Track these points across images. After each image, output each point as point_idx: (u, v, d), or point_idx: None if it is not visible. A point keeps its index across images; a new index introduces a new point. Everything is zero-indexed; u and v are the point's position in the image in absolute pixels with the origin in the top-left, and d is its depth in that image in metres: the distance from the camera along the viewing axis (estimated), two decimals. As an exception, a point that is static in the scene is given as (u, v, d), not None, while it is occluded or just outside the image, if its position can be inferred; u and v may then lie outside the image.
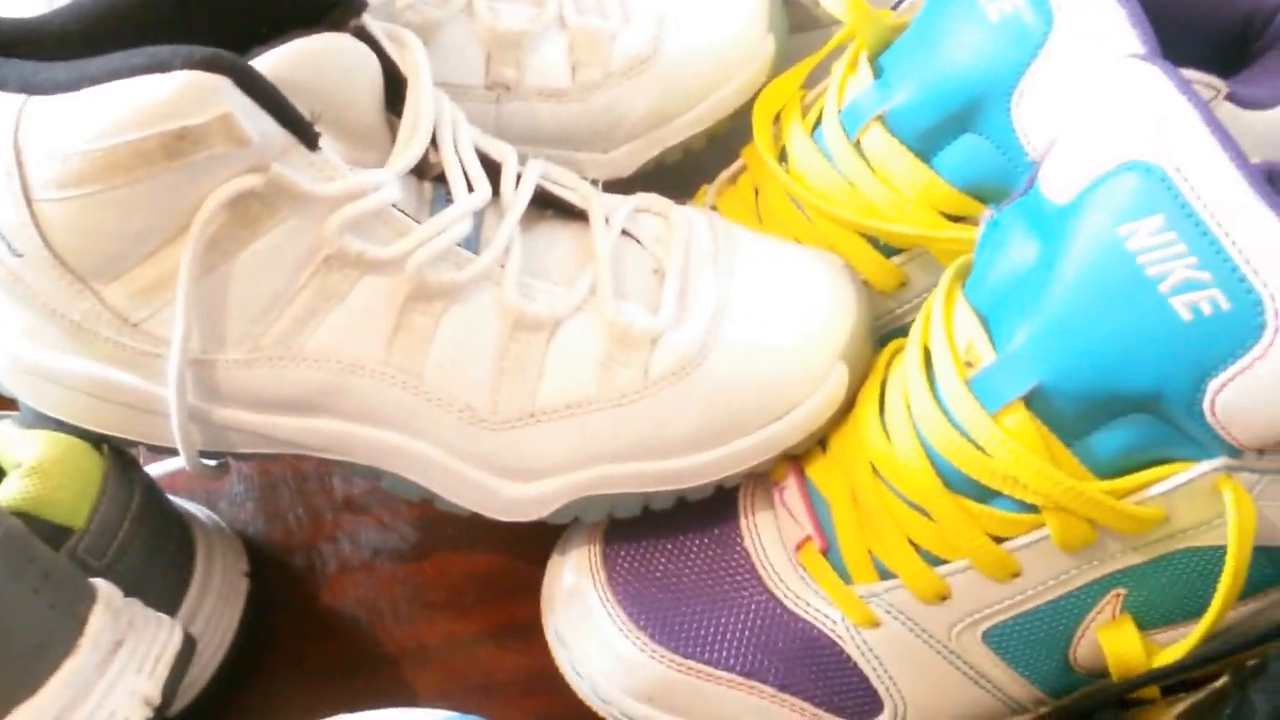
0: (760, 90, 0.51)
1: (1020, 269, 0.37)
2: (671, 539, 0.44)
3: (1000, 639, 0.40)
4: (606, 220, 0.43)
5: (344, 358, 0.40)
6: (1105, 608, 0.39)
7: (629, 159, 0.52)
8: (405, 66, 0.40)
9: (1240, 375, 0.33)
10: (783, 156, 0.48)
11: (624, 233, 0.43)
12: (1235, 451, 0.35)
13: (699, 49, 0.51)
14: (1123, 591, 0.39)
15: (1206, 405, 0.33)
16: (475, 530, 0.46)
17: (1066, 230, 0.35)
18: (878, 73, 0.46)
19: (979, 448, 0.37)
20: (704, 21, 0.51)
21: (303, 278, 0.39)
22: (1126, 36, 0.37)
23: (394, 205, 0.39)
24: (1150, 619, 0.39)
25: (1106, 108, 0.35)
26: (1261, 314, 0.32)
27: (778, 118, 0.50)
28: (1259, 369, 0.32)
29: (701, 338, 0.42)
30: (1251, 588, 0.36)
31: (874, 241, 0.45)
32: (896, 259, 0.45)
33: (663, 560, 0.44)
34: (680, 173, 0.53)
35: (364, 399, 0.41)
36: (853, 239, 0.45)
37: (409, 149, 0.40)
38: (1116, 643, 0.38)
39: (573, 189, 0.44)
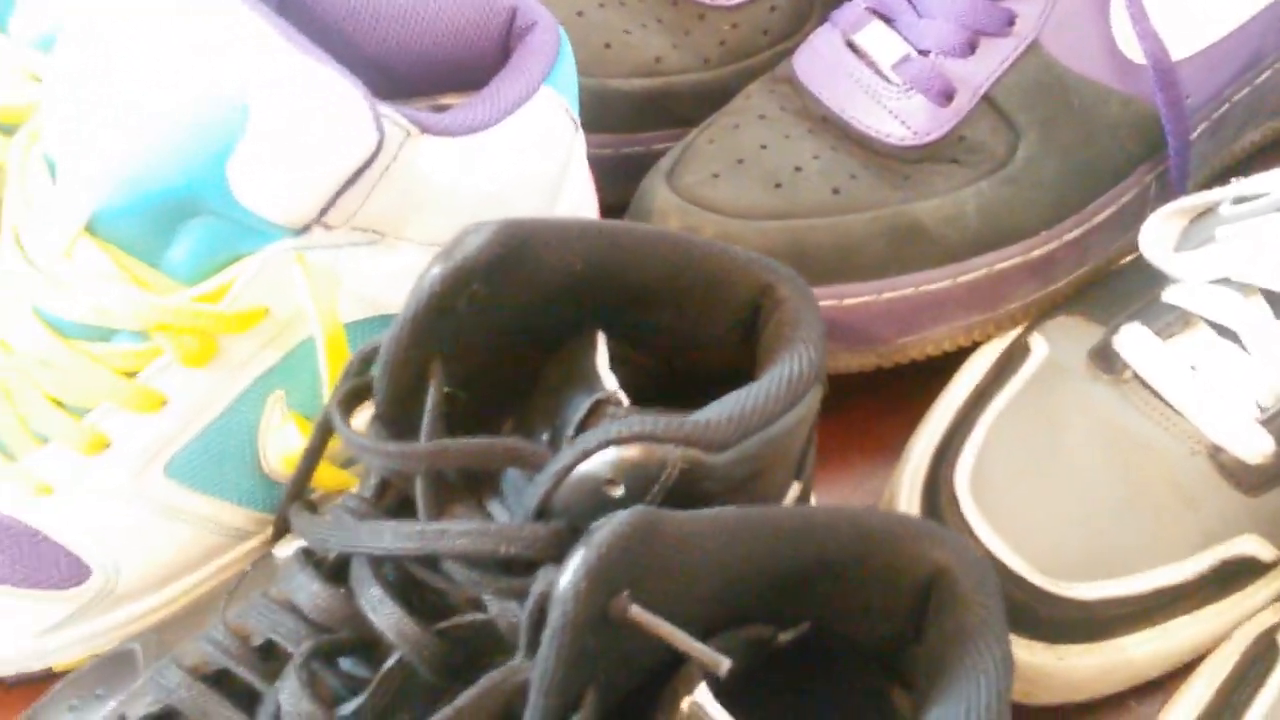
0: None
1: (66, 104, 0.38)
2: None
3: (184, 470, 0.41)
4: None
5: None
6: (273, 413, 0.41)
7: None
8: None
9: (242, 155, 0.35)
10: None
11: None
12: (296, 231, 0.37)
13: None
14: (281, 393, 0.41)
15: (235, 190, 0.35)
16: None
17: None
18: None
19: (64, 286, 0.37)
20: None
21: None
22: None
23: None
24: (319, 411, 0.41)
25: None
26: (243, 95, 0.34)
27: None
28: (249, 146, 0.35)
29: None
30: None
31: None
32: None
33: None
34: None
35: None
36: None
37: None
38: (284, 445, 0.41)
39: None
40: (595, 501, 0.30)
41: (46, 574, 0.41)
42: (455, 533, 0.31)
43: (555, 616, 0.27)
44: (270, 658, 0.35)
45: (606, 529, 0.27)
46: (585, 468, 0.30)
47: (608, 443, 0.30)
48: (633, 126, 0.53)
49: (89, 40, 0.36)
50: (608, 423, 0.31)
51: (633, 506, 0.29)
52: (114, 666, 0.38)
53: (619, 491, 0.30)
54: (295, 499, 0.39)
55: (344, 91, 0.35)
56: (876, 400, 0.49)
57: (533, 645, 0.29)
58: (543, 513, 0.31)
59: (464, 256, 0.32)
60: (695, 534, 0.29)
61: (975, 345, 0.48)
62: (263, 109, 0.34)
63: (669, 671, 0.31)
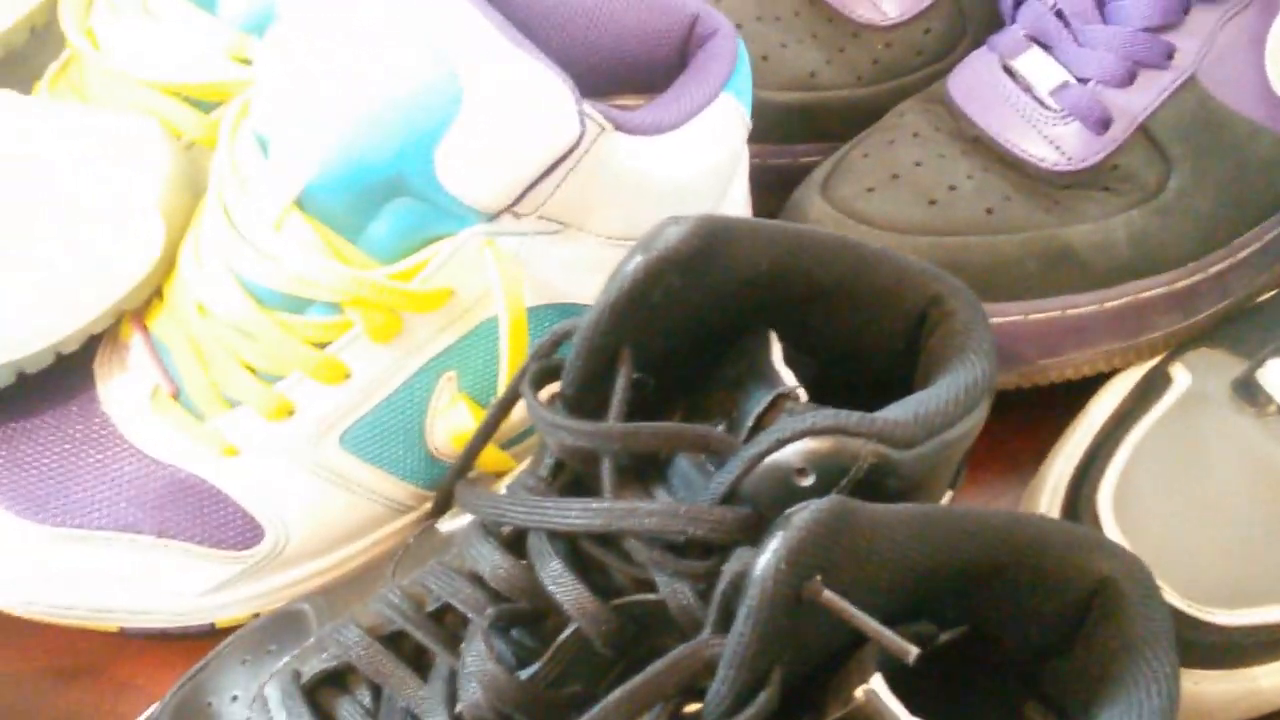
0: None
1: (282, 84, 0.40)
2: (27, 421, 0.44)
3: (357, 442, 0.42)
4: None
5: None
6: (443, 393, 0.43)
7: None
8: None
9: (450, 141, 0.36)
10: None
11: None
12: (489, 217, 0.39)
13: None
14: (453, 374, 0.42)
15: (440, 174, 0.37)
16: None
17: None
18: None
19: (269, 257, 0.39)
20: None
21: None
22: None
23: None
24: (488, 393, 0.43)
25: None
26: (457, 83, 0.36)
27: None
28: (459, 132, 0.36)
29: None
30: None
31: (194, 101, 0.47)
32: (215, 113, 0.47)
33: (23, 444, 0.44)
34: (9, 68, 0.52)
35: None
36: (168, 101, 0.46)
37: None
38: (452, 424, 0.42)
39: None
40: (783, 490, 0.32)
41: (224, 534, 0.43)
42: (644, 512, 0.33)
43: (753, 594, 0.29)
44: (441, 623, 0.37)
45: (806, 513, 0.29)
46: (778, 456, 0.31)
47: (803, 433, 0.31)
48: (781, 138, 0.54)
49: (308, 22, 0.38)
50: (791, 416, 0.32)
51: (824, 496, 0.30)
52: (285, 624, 0.40)
53: (808, 481, 0.31)
54: (462, 475, 0.41)
55: (553, 84, 0.36)
56: (1012, 419, 0.50)
57: (723, 622, 0.30)
58: (729, 497, 0.33)
59: (666, 247, 0.34)
60: (885, 526, 0.30)
61: (1114, 372, 0.49)
62: (476, 96, 0.36)
63: (840, 658, 0.32)
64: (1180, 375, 0.46)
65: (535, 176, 0.38)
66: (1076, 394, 0.49)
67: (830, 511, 0.29)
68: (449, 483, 0.40)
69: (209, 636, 0.44)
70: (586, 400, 0.35)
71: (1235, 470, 0.43)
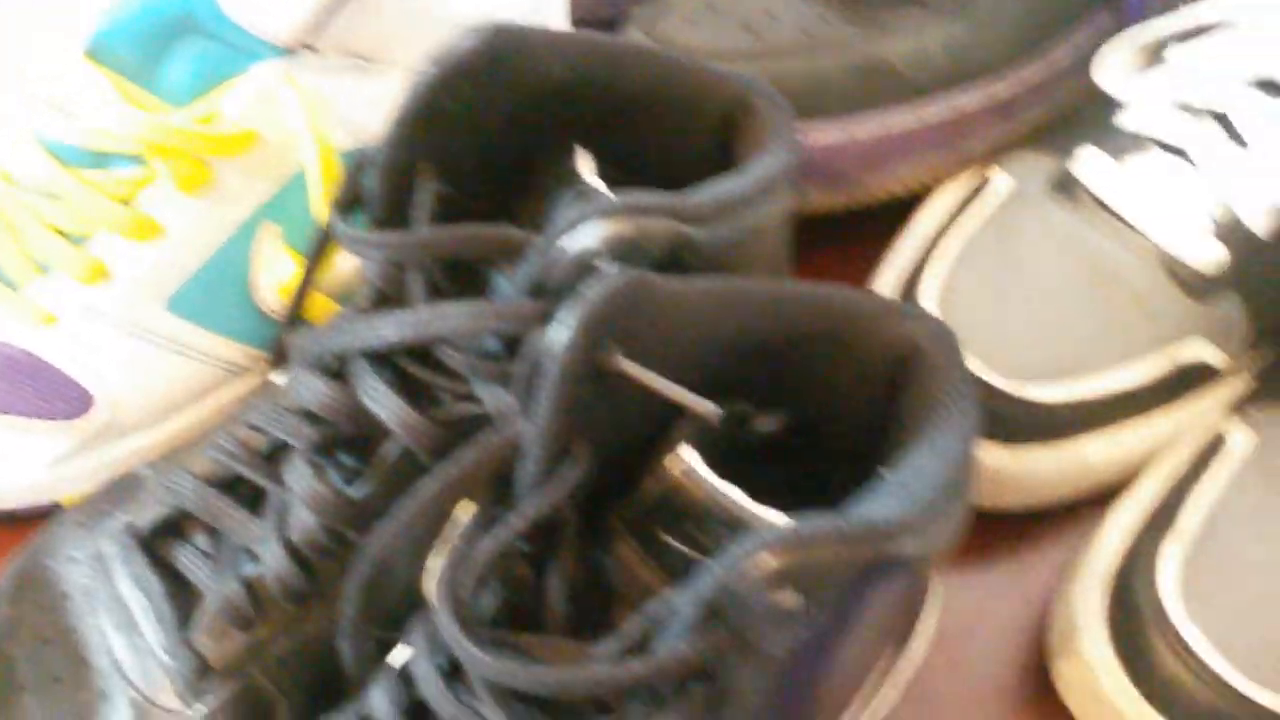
0: None
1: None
2: None
3: (183, 304, 0.42)
4: None
5: None
6: (265, 246, 0.42)
7: None
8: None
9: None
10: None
11: None
12: (286, 52, 0.38)
13: None
14: (274, 226, 0.42)
15: (223, 5, 0.37)
16: None
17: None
18: None
19: (65, 111, 0.38)
20: None
21: None
22: None
23: None
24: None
25: None
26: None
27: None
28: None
29: None
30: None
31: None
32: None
33: None
34: None
35: None
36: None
37: None
38: (278, 277, 0.42)
39: None
40: (585, 277, 0.32)
41: (51, 403, 0.42)
42: (451, 314, 0.33)
43: (550, 367, 0.29)
44: (275, 463, 0.37)
45: (599, 284, 0.29)
46: (576, 241, 0.32)
47: (598, 215, 0.31)
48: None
49: None
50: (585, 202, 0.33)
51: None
52: (123, 487, 0.39)
53: (609, 265, 0.32)
54: (293, 322, 0.41)
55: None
56: (838, 240, 0.51)
57: (527, 405, 0.31)
58: (536, 292, 0.33)
59: (456, 58, 0.34)
60: (683, 297, 0.30)
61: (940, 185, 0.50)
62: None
63: (654, 436, 0.32)
64: (1000, 178, 0.47)
65: (326, 4, 0.37)
66: (901, 212, 0.50)
67: (625, 281, 0.29)
68: (283, 330, 0.40)
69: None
70: (395, 222, 0.35)
71: (1053, 259, 0.44)
